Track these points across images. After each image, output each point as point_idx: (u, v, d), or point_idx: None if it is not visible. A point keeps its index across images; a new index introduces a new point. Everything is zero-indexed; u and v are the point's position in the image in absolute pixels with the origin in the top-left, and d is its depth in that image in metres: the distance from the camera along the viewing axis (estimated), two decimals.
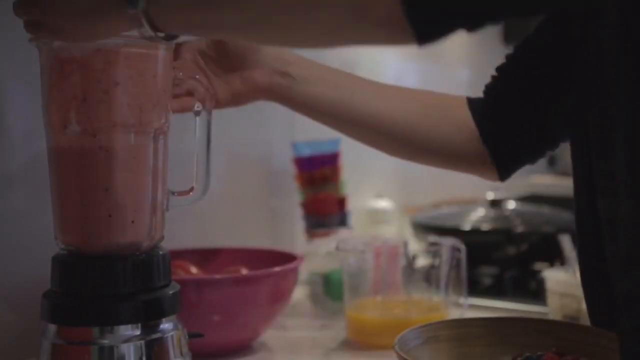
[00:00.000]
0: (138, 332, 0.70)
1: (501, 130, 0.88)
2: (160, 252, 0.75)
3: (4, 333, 0.97)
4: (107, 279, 0.71)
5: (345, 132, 0.91)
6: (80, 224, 0.72)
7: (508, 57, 0.88)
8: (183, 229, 1.21)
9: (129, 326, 0.70)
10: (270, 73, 0.84)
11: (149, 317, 0.71)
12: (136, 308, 0.70)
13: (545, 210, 1.60)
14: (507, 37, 2.48)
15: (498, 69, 0.89)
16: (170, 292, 0.74)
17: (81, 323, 0.70)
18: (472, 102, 0.90)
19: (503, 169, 0.89)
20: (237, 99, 0.86)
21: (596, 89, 0.69)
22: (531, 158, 0.89)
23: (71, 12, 0.65)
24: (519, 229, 1.41)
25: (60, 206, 0.74)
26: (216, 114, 0.83)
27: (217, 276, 1.02)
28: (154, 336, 0.71)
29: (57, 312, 0.71)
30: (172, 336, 0.73)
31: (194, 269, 1.08)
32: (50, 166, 0.74)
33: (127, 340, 0.70)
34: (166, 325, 0.73)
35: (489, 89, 0.90)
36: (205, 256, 1.15)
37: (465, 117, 0.88)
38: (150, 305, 0.71)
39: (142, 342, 0.70)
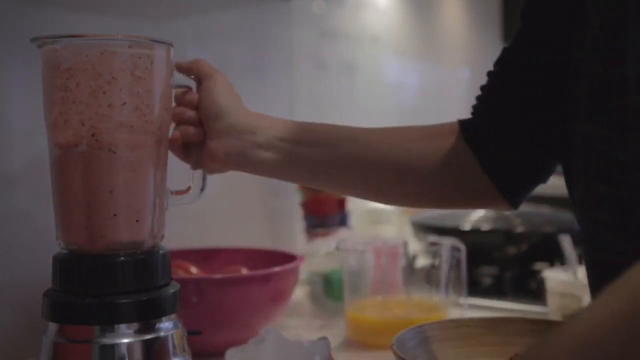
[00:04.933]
0: (139, 331, 0.70)
1: (500, 154, 0.80)
2: (161, 251, 0.75)
3: (4, 333, 0.97)
4: (108, 278, 0.71)
5: (330, 187, 0.87)
6: (84, 224, 0.72)
7: (490, 74, 0.82)
8: (183, 229, 1.21)
9: (130, 325, 0.70)
10: (226, 147, 0.80)
11: (149, 316, 0.71)
12: (137, 307, 0.71)
13: (545, 210, 1.60)
14: (507, 37, 2.49)
15: (483, 88, 0.82)
16: (171, 291, 0.74)
17: (82, 322, 0.70)
18: (465, 129, 0.82)
19: (512, 197, 0.82)
20: (208, 167, 0.82)
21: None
22: (539, 178, 0.82)
23: None
24: (519, 229, 1.41)
25: (64, 207, 0.74)
26: None
27: (217, 276, 1.02)
28: (155, 335, 0.71)
29: (58, 311, 0.71)
30: (172, 335, 0.73)
31: (194, 269, 1.08)
32: (53, 167, 0.74)
33: (128, 338, 0.70)
34: (166, 324, 0.73)
35: (477, 110, 0.83)
36: (205, 256, 1.15)
37: (462, 149, 0.81)
38: (150, 304, 0.72)
39: (143, 340, 0.70)
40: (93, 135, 0.70)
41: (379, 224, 1.67)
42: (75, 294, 0.71)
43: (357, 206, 1.60)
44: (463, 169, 0.81)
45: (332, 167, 0.82)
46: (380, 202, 0.89)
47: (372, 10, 1.85)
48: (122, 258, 0.71)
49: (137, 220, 0.72)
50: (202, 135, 0.81)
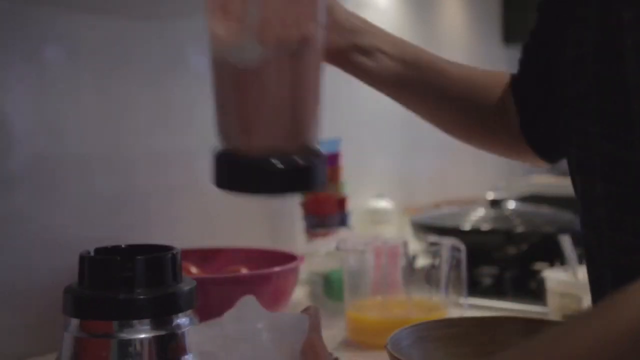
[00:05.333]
0: (156, 327, 0.72)
1: (538, 116, 0.84)
2: (175, 250, 0.77)
3: (4, 333, 0.97)
4: (127, 275, 0.73)
5: (404, 104, 0.91)
6: (285, 125, 0.68)
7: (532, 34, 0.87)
8: (183, 229, 1.21)
9: (147, 320, 0.72)
10: (327, 39, 0.77)
11: (166, 312, 0.73)
12: (154, 303, 0.72)
13: (545, 210, 1.60)
14: (507, 37, 2.48)
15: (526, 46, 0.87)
16: (187, 288, 0.76)
17: (103, 317, 0.72)
18: (514, 85, 0.87)
19: (547, 156, 0.86)
20: None
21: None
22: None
23: None
24: (519, 229, 1.41)
25: (256, 109, 0.69)
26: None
27: (217, 276, 1.02)
28: (171, 331, 0.73)
29: (80, 306, 0.73)
30: (188, 331, 0.75)
31: (194, 269, 1.08)
32: (247, 73, 0.68)
33: (145, 334, 0.72)
34: (182, 320, 0.75)
35: (521, 69, 0.88)
36: (205, 256, 1.15)
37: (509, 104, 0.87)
38: (167, 301, 0.74)
39: (160, 336, 0.72)
40: (304, 35, 0.67)
41: (379, 224, 1.67)
42: (97, 290, 0.73)
43: (357, 206, 1.60)
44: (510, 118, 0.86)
45: (414, 89, 0.86)
46: (445, 131, 0.92)
47: (372, 10, 1.85)
48: (140, 256, 0.73)
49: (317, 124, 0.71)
50: None
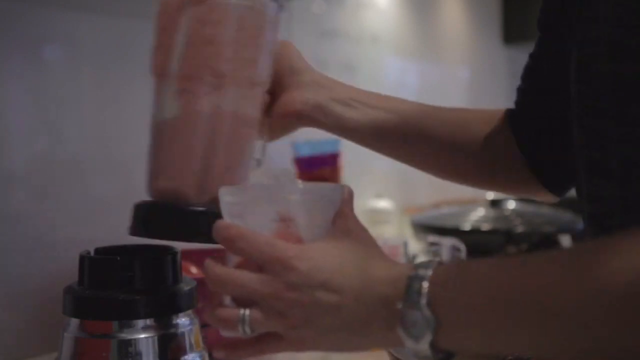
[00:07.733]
0: (156, 327, 0.72)
1: (537, 145, 0.83)
2: (175, 250, 0.77)
3: (4, 333, 0.97)
4: (127, 275, 0.73)
5: (388, 153, 0.89)
6: (197, 177, 0.71)
7: (522, 78, 0.85)
8: None
9: (147, 320, 0.72)
10: (303, 98, 0.81)
11: (166, 312, 0.73)
12: (154, 303, 0.72)
13: (545, 210, 1.60)
14: (507, 38, 2.49)
15: (518, 89, 0.85)
16: (187, 288, 0.76)
17: (103, 317, 0.72)
18: (512, 120, 0.85)
19: (555, 189, 0.84)
20: (274, 127, 0.83)
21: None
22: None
23: (330, 327, 0.55)
24: (519, 229, 1.41)
25: (176, 161, 0.73)
26: None
27: None
28: (171, 331, 0.73)
29: (80, 306, 0.73)
30: (188, 331, 0.75)
31: (194, 269, 1.08)
32: (171, 126, 0.74)
33: (145, 334, 0.72)
34: (183, 320, 0.75)
35: (519, 100, 0.85)
36: (205, 256, 1.15)
37: (509, 138, 0.85)
38: (167, 301, 0.73)
39: (160, 336, 0.72)
40: (218, 94, 0.71)
41: (379, 224, 1.67)
42: (97, 290, 0.73)
43: (357, 206, 1.60)
44: (509, 154, 0.84)
45: (399, 135, 0.84)
46: (437, 176, 0.93)
47: (372, 10, 1.85)
48: (140, 256, 0.74)
49: (241, 178, 0.74)
50: (270, 101, 0.81)
